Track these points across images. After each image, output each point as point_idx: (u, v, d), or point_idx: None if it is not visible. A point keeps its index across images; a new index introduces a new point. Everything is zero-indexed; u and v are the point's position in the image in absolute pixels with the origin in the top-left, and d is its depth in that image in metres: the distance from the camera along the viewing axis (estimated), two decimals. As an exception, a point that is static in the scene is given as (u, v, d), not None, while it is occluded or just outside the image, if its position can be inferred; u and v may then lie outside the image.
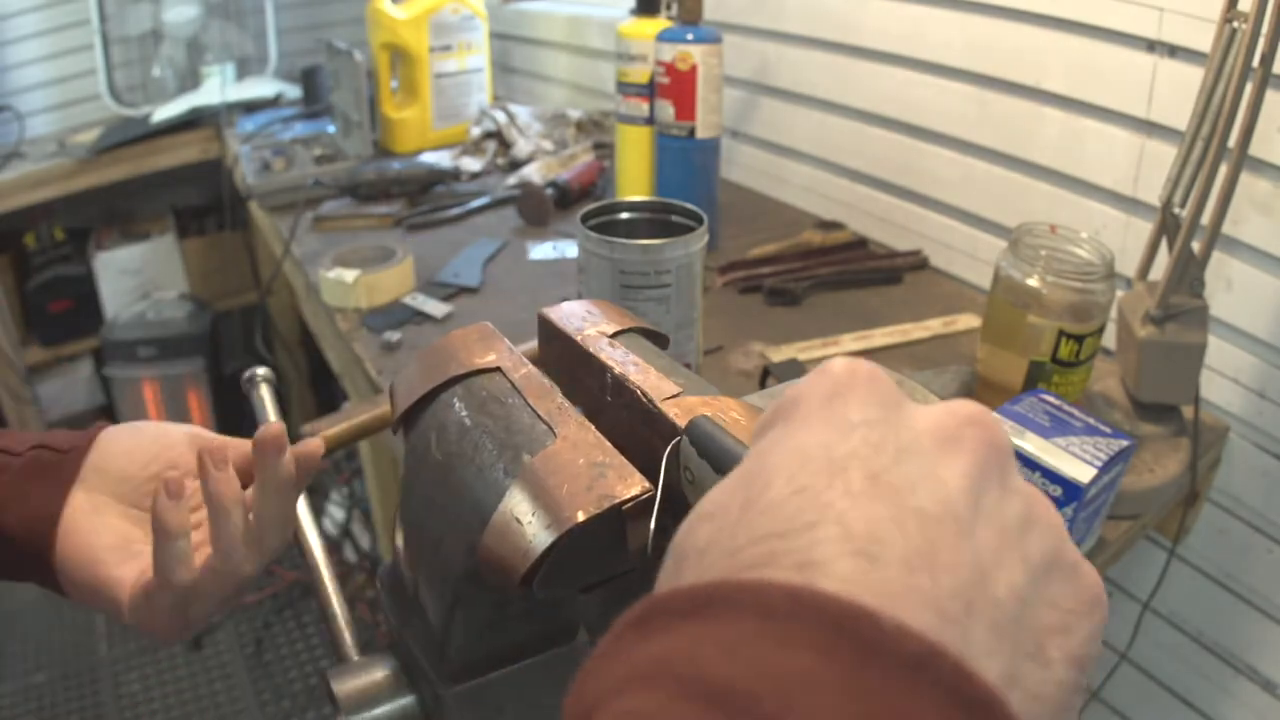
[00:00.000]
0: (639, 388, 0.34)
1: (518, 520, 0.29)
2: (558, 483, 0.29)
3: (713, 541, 0.18)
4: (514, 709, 0.34)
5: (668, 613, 0.17)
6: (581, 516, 0.28)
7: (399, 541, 0.35)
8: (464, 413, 0.34)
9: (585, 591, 0.31)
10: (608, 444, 0.31)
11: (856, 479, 0.18)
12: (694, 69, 0.98)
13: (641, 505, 0.29)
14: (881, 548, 0.16)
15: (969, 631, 0.16)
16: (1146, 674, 0.95)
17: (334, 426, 0.72)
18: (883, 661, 0.15)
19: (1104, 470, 0.57)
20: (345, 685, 0.34)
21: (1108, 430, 0.60)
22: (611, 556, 0.30)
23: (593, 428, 0.32)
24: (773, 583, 0.16)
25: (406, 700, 0.34)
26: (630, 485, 0.29)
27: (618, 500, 0.29)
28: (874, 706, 0.14)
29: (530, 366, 0.36)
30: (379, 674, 0.35)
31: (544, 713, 0.35)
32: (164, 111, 1.75)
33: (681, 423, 0.32)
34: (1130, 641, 0.91)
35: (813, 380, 0.21)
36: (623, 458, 0.31)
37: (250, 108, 1.74)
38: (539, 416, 0.33)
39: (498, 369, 0.35)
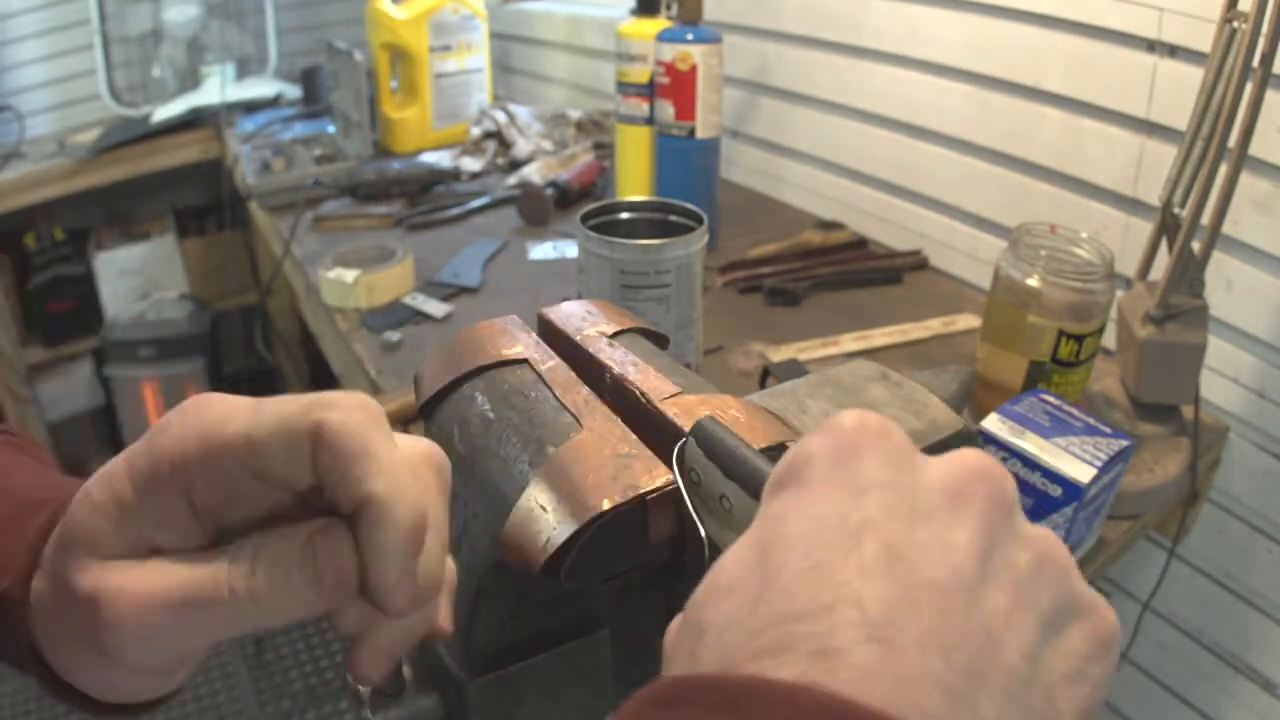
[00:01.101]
0: (638, 388, 0.34)
1: (542, 508, 0.29)
2: (582, 472, 0.30)
3: (733, 619, 0.18)
4: (535, 700, 0.35)
5: (697, 704, 0.17)
6: (606, 505, 0.28)
7: None
8: (486, 406, 0.34)
9: (607, 582, 0.31)
10: (633, 436, 0.31)
11: (871, 552, 0.18)
12: (694, 69, 0.98)
13: (665, 497, 0.29)
14: (896, 631, 0.17)
15: (978, 705, 0.17)
16: (1146, 674, 0.95)
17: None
18: None
19: (1104, 470, 0.57)
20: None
21: (1108, 430, 0.60)
22: (634, 547, 0.30)
23: (619, 420, 0.32)
24: (801, 688, 0.16)
25: (430, 695, 0.34)
26: (655, 476, 0.29)
27: (642, 490, 0.29)
28: None
29: (557, 359, 0.36)
30: (402, 669, 0.35)
31: (564, 704, 0.35)
32: (164, 111, 1.75)
33: (681, 422, 0.32)
34: (1130, 641, 0.91)
35: (823, 437, 0.21)
36: (648, 449, 0.31)
37: (250, 108, 1.74)
38: (565, 408, 0.33)
39: (525, 360, 0.35)
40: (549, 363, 0.35)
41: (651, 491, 0.29)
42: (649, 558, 0.31)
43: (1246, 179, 0.72)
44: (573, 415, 0.32)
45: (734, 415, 0.33)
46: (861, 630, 0.17)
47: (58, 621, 0.25)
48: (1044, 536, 0.20)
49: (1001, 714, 0.17)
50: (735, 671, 0.17)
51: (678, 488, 0.29)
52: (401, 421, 0.75)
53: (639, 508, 0.29)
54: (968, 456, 0.20)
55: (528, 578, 0.29)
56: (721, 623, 0.19)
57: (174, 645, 0.23)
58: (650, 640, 0.40)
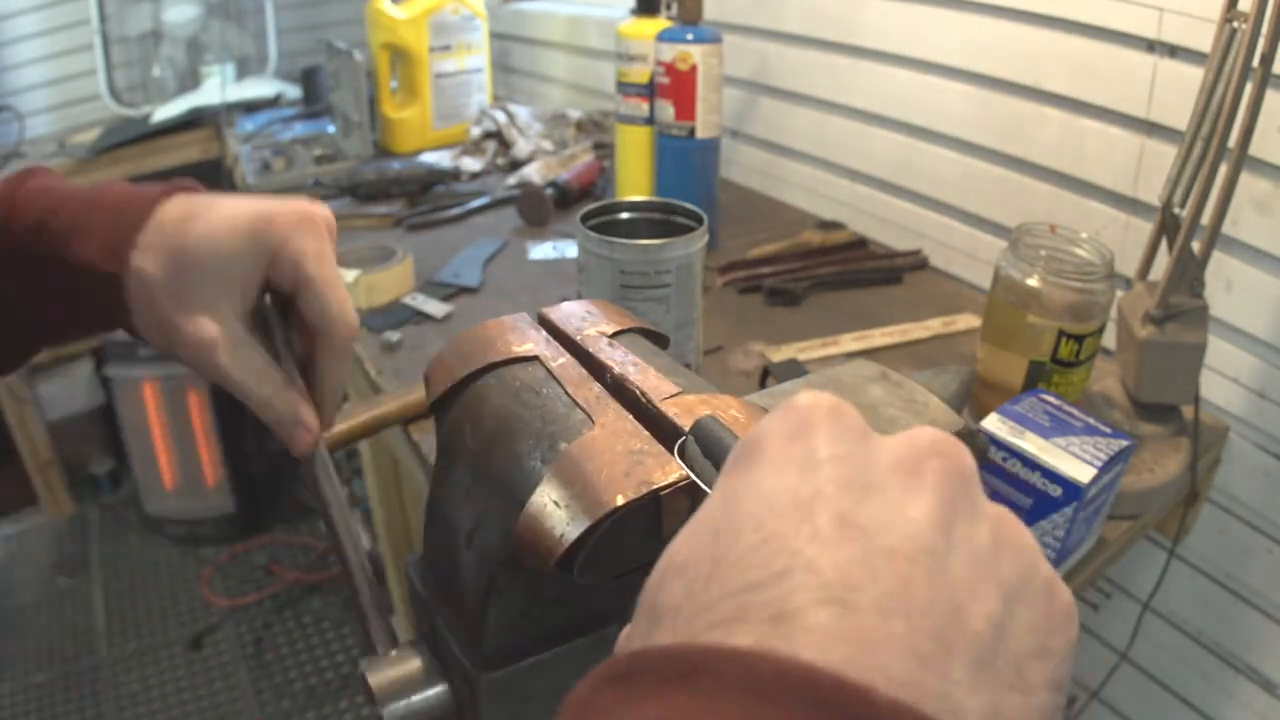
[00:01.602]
0: (638, 388, 0.34)
1: (556, 504, 0.29)
2: (595, 468, 0.30)
3: (688, 596, 0.18)
4: (545, 695, 0.35)
5: (652, 675, 0.16)
6: (620, 500, 0.28)
7: (430, 530, 0.36)
8: (498, 402, 0.34)
9: (620, 578, 0.31)
10: (645, 432, 0.31)
11: (824, 521, 0.18)
12: (694, 69, 0.98)
13: (678, 492, 0.29)
14: (854, 593, 0.16)
15: (949, 670, 0.16)
16: (1146, 674, 0.95)
17: (334, 426, 0.72)
18: None
19: (1104, 470, 0.57)
20: (380, 676, 0.35)
21: (1108, 430, 0.60)
22: (648, 543, 0.30)
23: (630, 416, 0.32)
24: (758, 654, 0.16)
25: (440, 689, 0.35)
26: (668, 472, 0.29)
27: (656, 486, 0.29)
28: None
29: (568, 355, 0.36)
30: (413, 664, 0.35)
31: None
32: (164, 111, 1.75)
33: (682, 422, 0.32)
34: (1130, 641, 0.91)
35: (776, 417, 0.21)
36: (660, 446, 0.31)
37: (250, 108, 1.74)
38: (577, 404, 0.33)
39: (535, 358, 0.36)
40: (559, 360, 0.36)
41: (665, 487, 0.29)
42: (660, 552, 0.31)
43: (1246, 179, 0.73)
44: (584, 412, 0.32)
45: (734, 415, 0.33)
46: (817, 593, 0.16)
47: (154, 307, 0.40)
48: (1002, 514, 0.20)
49: (974, 681, 0.16)
50: (691, 642, 0.17)
51: (693, 482, 0.29)
52: (404, 420, 0.75)
53: (653, 503, 0.29)
54: (922, 433, 0.20)
55: (540, 574, 0.30)
56: (676, 603, 0.18)
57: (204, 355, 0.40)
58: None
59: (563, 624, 0.35)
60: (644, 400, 0.33)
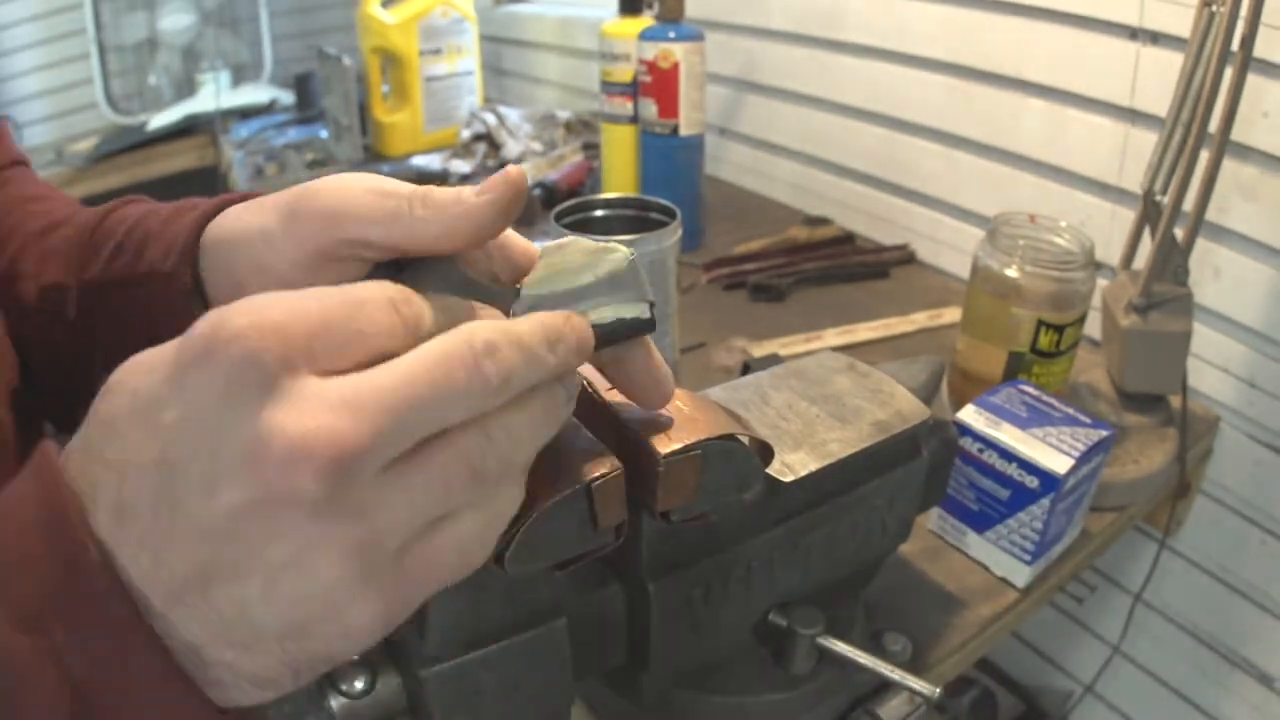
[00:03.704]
0: (583, 378, 0.33)
1: None
2: None
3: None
4: (495, 689, 0.35)
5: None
6: (549, 493, 0.28)
7: None
8: None
9: (559, 569, 0.31)
10: (575, 420, 0.31)
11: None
12: (676, 67, 0.97)
13: (611, 483, 0.29)
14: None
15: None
16: (1139, 667, 0.94)
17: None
18: None
19: (1082, 461, 0.56)
20: (333, 671, 0.35)
21: (1088, 420, 0.59)
22: (581, 535, 0.30)
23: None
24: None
25: (391, 682, 0.34)
26: (599, 465, 0.29)
27: (586, 480, 0.29)
28: None
29: None
30: (364, 655, 0.35)
31: (525, 692, 0.35)
32: (160, 119, 1.76)
33: (625, 415, 0.31)
34: (1123, 634, 0.90)
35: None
36: (593, 437, 0.31)
37: (245, 114, 1.74)
38: None
39: None
40: None
41: (596, 479, 0.29)
42: (599, 544, 0.31)
43: (1233, 165, 0.72)
44: None
45: (677, 406, 0.32)
46: None
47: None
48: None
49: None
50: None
51: (628, 470, 0.29)
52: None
53: (584, 496, 0.29)
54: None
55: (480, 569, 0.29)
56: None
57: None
58: (610, 628, 0.39)
59: (510, 618, 0.34)
60: (588, 390, 0.33)
